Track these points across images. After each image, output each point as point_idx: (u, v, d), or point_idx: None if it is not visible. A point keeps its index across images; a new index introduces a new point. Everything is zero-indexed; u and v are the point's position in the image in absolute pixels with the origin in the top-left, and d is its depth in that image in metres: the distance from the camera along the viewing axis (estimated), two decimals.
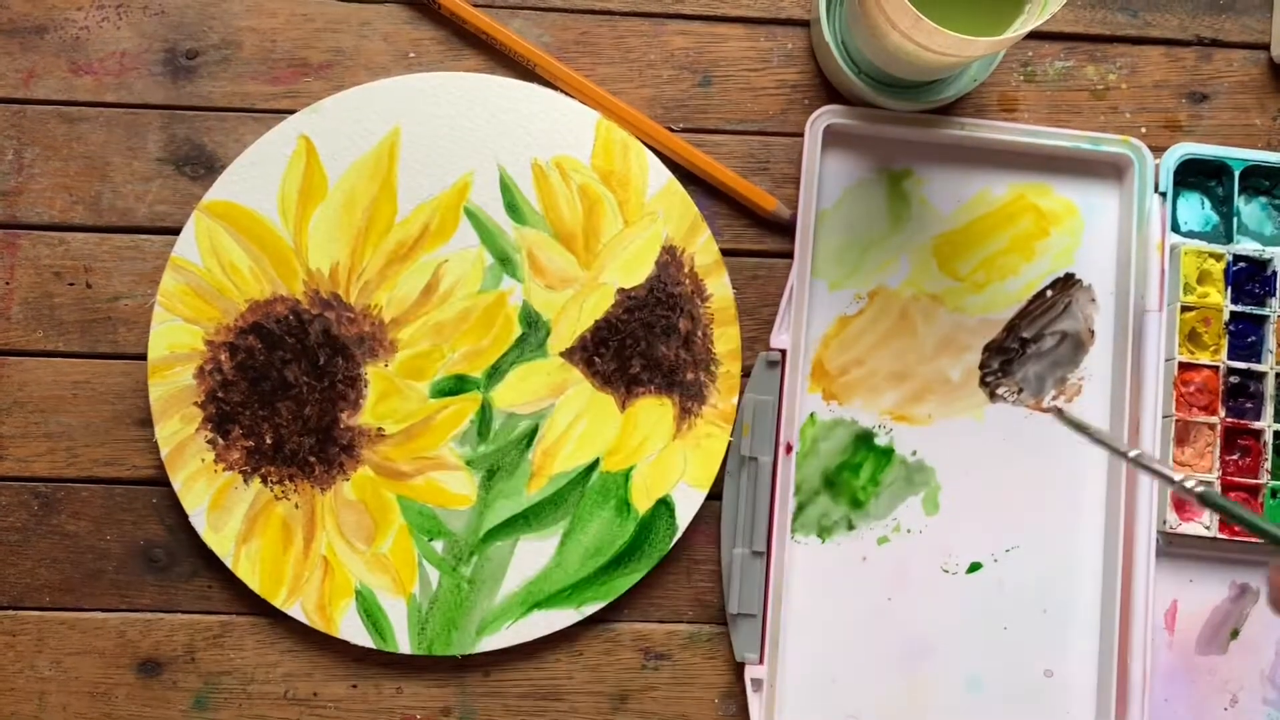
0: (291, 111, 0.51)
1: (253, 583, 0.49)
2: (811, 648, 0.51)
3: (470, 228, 0.50)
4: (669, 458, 0.50)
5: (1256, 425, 0.51)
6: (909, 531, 0.51)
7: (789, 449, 0.50)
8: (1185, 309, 0.51)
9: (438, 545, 0.50)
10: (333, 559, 0.49)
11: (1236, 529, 0.50)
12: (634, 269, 0.51)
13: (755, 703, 0.50)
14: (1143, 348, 0.51)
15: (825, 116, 0.51)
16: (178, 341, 0.49)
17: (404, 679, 0.50)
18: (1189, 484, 0.38)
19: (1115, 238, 0.53)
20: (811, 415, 0.52)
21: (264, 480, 0.49)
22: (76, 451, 0.50)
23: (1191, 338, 0.51)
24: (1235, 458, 0.51)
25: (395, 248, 0.50)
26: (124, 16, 0.51)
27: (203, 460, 0.49)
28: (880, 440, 0.52)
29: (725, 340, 0.51)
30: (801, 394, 0.51)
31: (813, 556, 0.51)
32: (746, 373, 0.51)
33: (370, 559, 0.49)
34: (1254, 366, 0.51)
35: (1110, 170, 0.53)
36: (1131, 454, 0.40)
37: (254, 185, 0.50)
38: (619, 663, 0.51)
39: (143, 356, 0.50)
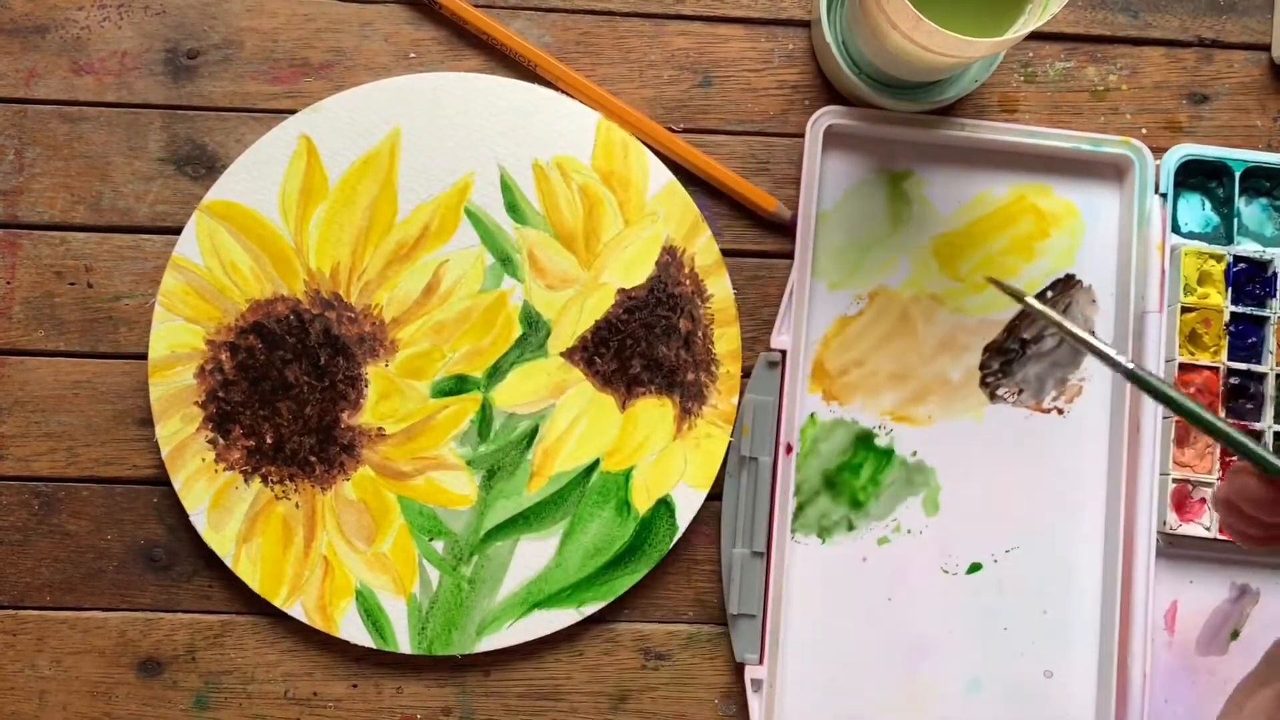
0: (292, 111, 0.51)
1: (253, 582, 0.49)
2: (812, 648, 0.51)
3: (471, 228, 0.50)
4: (669, 458, 0.50)
5: (1257, 426, 0.51)
6: (909, 532, 0.51)
7: (789, 449, 0.50)
8: (1185, 310, 0.51)
9: (438, 545, 0.50)
10: (333, 559, 0.49)
11: None
12: (634, 269, 0.51)
13: (755, 703, 0.50)
14: (1143, 349, 0.51)
15: (826, 117, 0.51)
16: (178, 341, 0.49)
17: (404, 679, 0.50)
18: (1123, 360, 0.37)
19: (1115, 239, 0.53)
20: (812, 416, 0.52)
21: (264, 480, 0.49)
22: (77, 451, 0.50)
23: (1192, 339, 0.51)
24: (1236, 459, 0.51)
25: (396, 247, 0.50)
26: (125, 16, 0.51)
27: (203, 460, 0.49)
28: (880, 441, 0.52)
29: (725, 341, 0.51)
30: (802, 394, 0.51)
31: (813, 557, 0.51)
32: (747, 373, 0.51)
33: (371, 559, 0.49)
34: (1254, 368, 0.51)
35: (1111, 171, 0.53)
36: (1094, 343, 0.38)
37: (255, 185, 0.50)
38: (619, 663, 0.51)
39: (143, 356, 0.50)
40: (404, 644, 0.49)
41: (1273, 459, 0.35)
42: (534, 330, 0.50)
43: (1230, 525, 0.38)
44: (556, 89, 0.51)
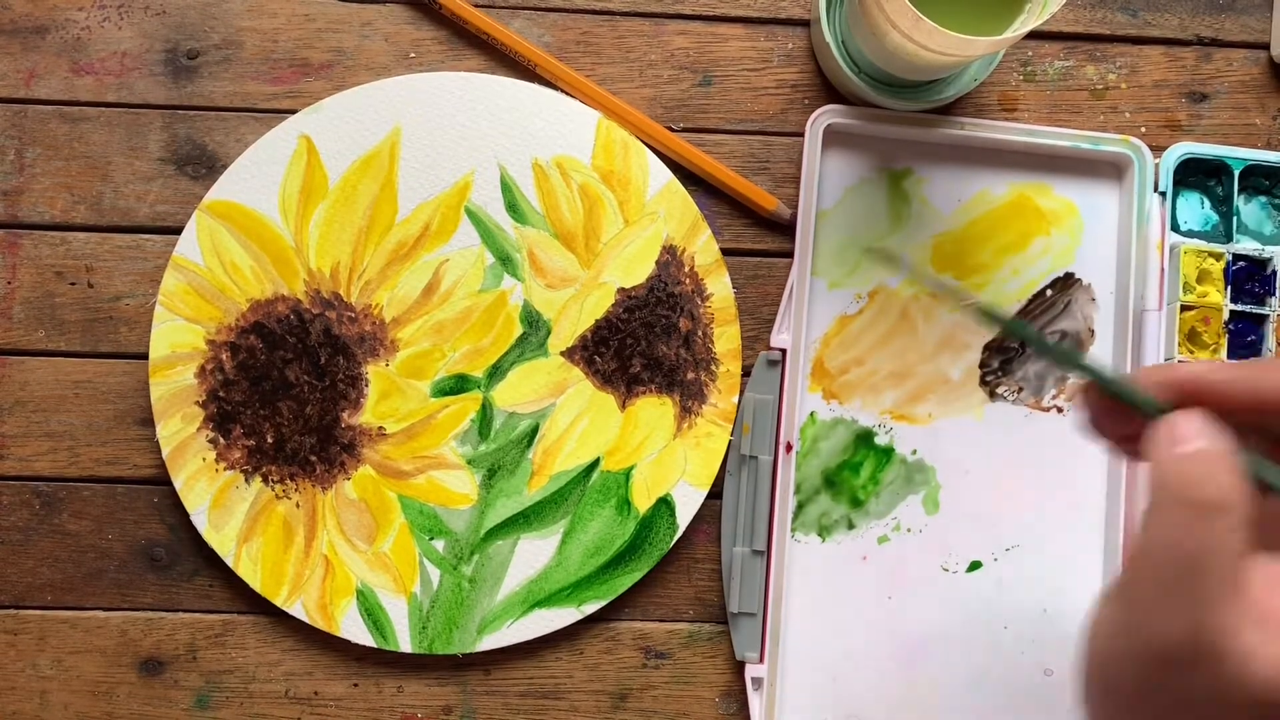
0: (292, 111, 0.51)
1: (254, 582, 0.49)
2: (812, 646, 0.51)
3: (471, 227, 0.50)
4: (669, 457, 0.50)
5: None
6: (909, 530, 0.51)
7: (789, 448, 0.50)
8: (1185, 308, 0.51)
9: (439, 544, 0.50)
10: (334, 558, 0.49)
11: None
12: (634, 268, 0.51)
13: (755, 701, 0.50)
14: (1142, 347, 0.51)
15: (825, 116, 0.51)
16: (179, 341, 0.49)
17: (405, 678, 0.50)
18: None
19: (1115, 237, 0.53)
20: (811, 414, 0.52)
21: (265, 479, 0.49)
22: (78, 451, 0.50)
23: (1191, 337, 0.51)
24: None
25: (396, 247, 0.50)
26: (125, 16, 0.51)
27: (204, 459, 0.49)
28: (880, 439, 0.52)
29: (725, 339, 0.51)
30: (802, 393, 0.51)
31: (813, 555, 0.51)
32: (747, 372, 0.51)
33: (371, 558, 0.49)
34: None
35: (1110, 170, 0.53)
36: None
37: (255, 185, 0.50)
38: (619, 661, 0.51)
39: (144, 356, 0.50)
40: (405, 643, 0.49)
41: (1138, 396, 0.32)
42: (534, 329, 0.50)
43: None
44: (556, 88, 0.51)
